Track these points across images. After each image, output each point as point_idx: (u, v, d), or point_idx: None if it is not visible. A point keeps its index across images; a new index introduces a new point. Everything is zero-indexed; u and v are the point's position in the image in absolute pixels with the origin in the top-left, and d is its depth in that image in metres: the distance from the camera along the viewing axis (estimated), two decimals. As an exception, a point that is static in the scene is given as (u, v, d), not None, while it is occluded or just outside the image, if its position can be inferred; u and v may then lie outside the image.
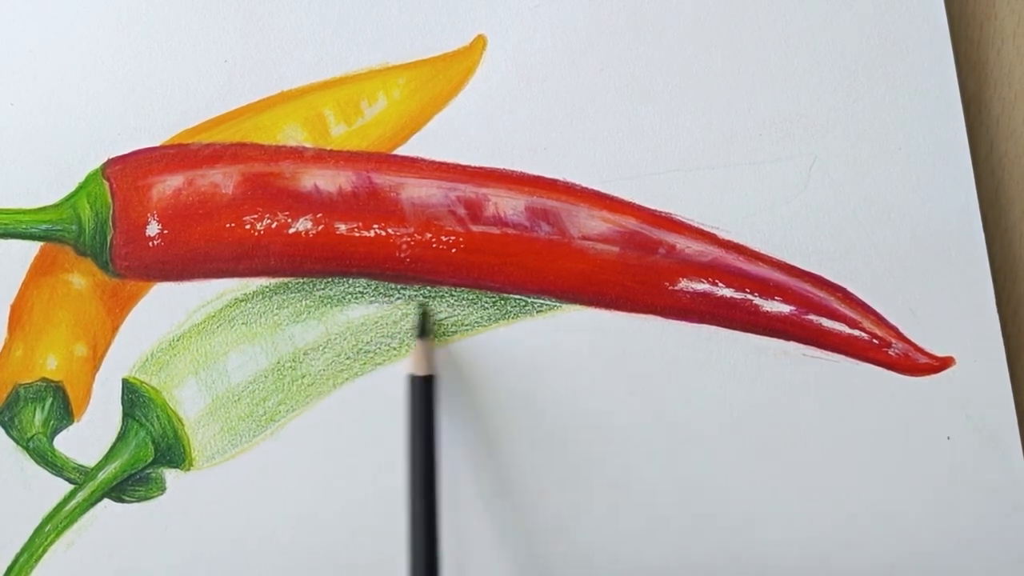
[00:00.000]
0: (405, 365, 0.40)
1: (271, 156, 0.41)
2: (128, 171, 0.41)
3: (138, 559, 0.40)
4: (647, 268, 0.41)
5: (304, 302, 0.41)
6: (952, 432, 0.41)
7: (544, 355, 0.41)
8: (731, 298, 0.41)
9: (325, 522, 0.41)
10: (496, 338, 0.41)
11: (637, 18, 0.42)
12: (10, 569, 0.40)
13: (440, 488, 0.39)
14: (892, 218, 0.42)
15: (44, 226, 0.41)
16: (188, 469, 0.41)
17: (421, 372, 0.39)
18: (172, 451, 0.41)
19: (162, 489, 0.41)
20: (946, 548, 0.41)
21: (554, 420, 0.41)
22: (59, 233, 0.41)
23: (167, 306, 0.41)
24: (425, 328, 0.40)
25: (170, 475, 0.41)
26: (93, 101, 0.41)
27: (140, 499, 0.41)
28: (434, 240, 0.41)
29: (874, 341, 0.41)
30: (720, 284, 0.41)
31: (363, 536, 0.41)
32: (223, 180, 0.41)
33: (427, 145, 0.42)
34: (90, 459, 0.41)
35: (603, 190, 0.42)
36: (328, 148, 0.42)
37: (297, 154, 0.41)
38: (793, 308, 0.41)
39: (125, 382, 0.41)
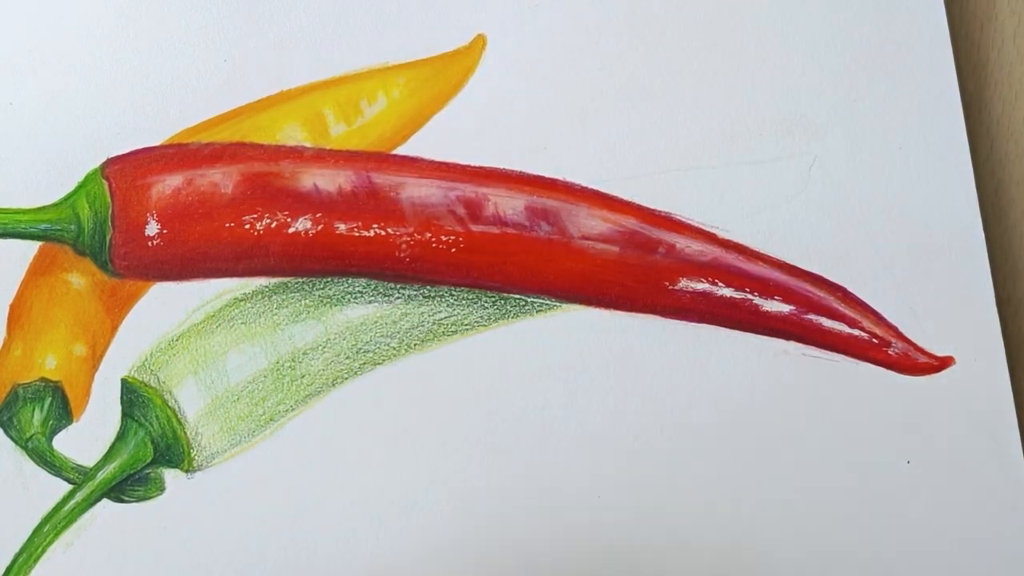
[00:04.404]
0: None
1: (270, 156, 0.41)
2: (127, 170, 0.41)
3: (137, 559, 0.40)
4: (647, 268, 0.41)
5: (303, 302, 0.41)
6: (952, 432, 0.41)
7: (544, 355, 0.41)
8: (731, 298, 0.41)
9: (324, 522, 0.41)
10: (496, 338, 0.41)
11: (637, 17, 0.42)
12: (8, 569, 0.40)
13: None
14: (892, 217, 0.42)
15: (43, 225, 0.41)
16: (187, 469, 0.41)
17: None
18: (171, 451, 0.41)
19: (161, 489, 0.41)
20: (945, 548, 0.41)
21: (553, 420, 0.41)
22: (58, 233, 0.41)
23: (166, 306, 0.41)
24: None
25: (169, 475, 0.41)
26: (92, 100, 0.41)
27: (139, 499, 0.41)
28: (434, 240, 0.41)
29: (874, 340, 0.41)
30: (720, 284, 0.41)
31: (362, 536, 0.41)
32: (222, 180, 0.41)
33: (427, 145, 0.42)
34: (89, 459, 0.41)
35: (603, 190, 0.42)
36: (328, 148, 0.42)
37: (296, 154, 0.41)
38: (793, 308, 0.41)
39: (124, 382, 0.41)
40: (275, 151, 0.41)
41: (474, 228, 0.41)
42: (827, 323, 0.41)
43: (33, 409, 0.41)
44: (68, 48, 0.41)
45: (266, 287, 0.41)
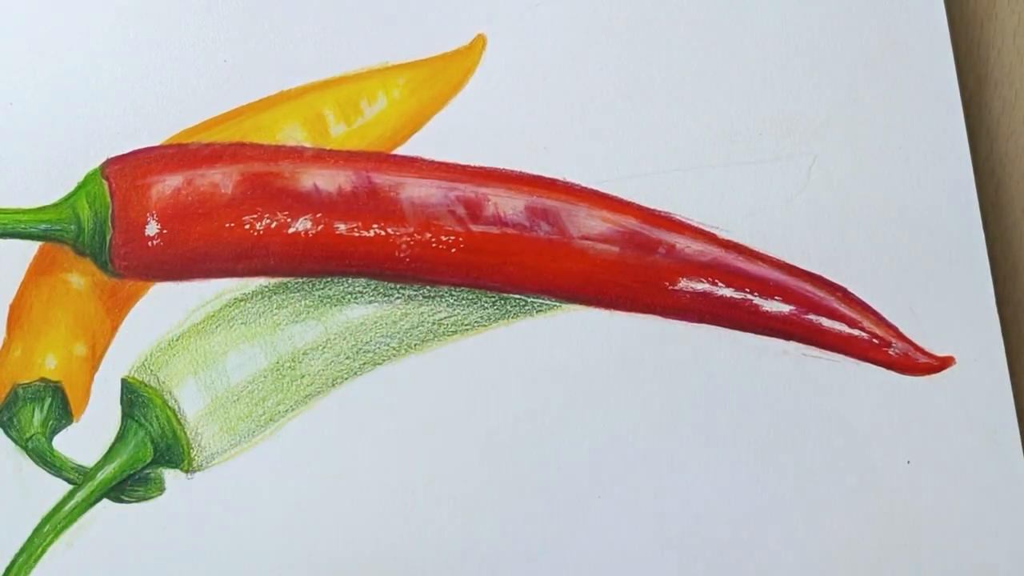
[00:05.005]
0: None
1: (270, 156, 0.41)
2: (127, 171, 0.41)
3: (137, 559, 0.40)
4: (647, 268, 0.41)
5: (303, 302, 0.41)
6: (952, 431, 0.41)
7: (544, 355, 0.41)
8: (731, 298, 0.41)
9: (324, 522, 0.41)
10: (496, 338, 0.41)
11: (637, 17, 0.42)
12: (9, 569, 0.40)
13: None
14: (892, 217, 0.42)
15: (43, 226, 0.41)
16: (187, 469, 0.41)
17: None
18: (171, 451, 0.41)
19: (161, 489, 0.41)
20: (945, 548, 0.41)
21: (553, 420, 0.41)
22: (58, 233, 0.41)
23: (166, 306, 0.41)
24: None
25: (169, 475, 0.41)
26: (92, 100, 0.41)
27: (139, 499, 0.41)
28: (434, 240, 0.41)
29: (874, 341, 0.41)
30: (720, 284, 0.41)
31: (362, 536, 0.41)
32: (222, 180, 0.41)
33: (427, 145, 0.42)
34: (89, 459, 0.41)
35: (603, 190, 0.42)
36: (327, 148, 0.42)
37: (296, 154, 0.41)
38: (793, 308, 0.41)
39: (124, 382, 0.41)
40: (275, 151, 0.41)
41: (474, 228, 0.41)
42: (827, 323, 0.41)
43: (33, 409, 0.41)
44: (68, 48, 0.41)
45: (266, 287, 0.41)
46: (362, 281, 0.41)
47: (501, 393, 0.41)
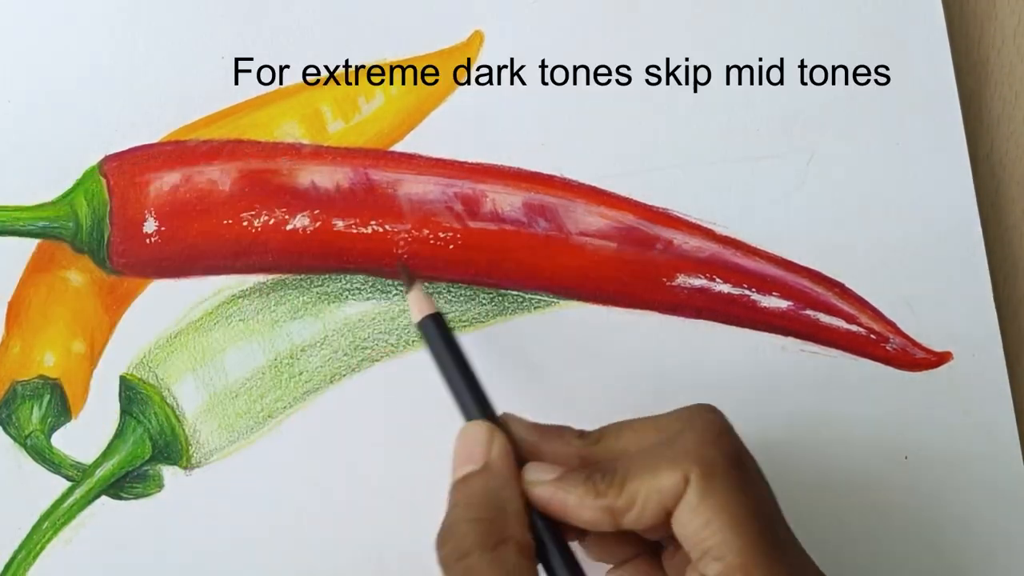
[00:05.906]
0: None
1: (268, 153, 0.41)
2: (125, 168, 0.41)
3: (136, 556, 0.40)
4: (644, 264, 0.41)
5: (301, 299, 0.41)
6: (949, 427, 0.41)
7: (541, 351, 0.41)
8: (728, 294, 0.41)
9: (323, 519, 0.41)
10: (493, 334, 0.41)
11: (634, 13, 0.42)
12: (8, 566, 0.40)
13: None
14: (890, 214, 0.42)
15: (41, 223, 0.41)
16: (186, 466, 0.41)
17: (427, 312, 0.37)
18: (170, 448, 0.41)
19: (160, 486, 0.41)
20: (942, 544, 0.41)
21: (551, 416, 0.41)
22: (56, 230, 0.41)
23: (164, 303, 0.41)
24: (411, 277, 0.39)
25: (168, 472, 0.41)
26: (90, 98, 0.41)
27: (138, 496, 0.41)
28: (431, 236, 0.41)
29: (872, 336, 0.41)
30: (718, 280, 0.41)
31: (361, 532, 0.41)
32: (220, 177, 0.41)
33: (424, 141, 0.42)
34: (88, 456, 0.41)
35: (600, 186, 0.42)
36: (325, 144, 0.42)
37: (294, 151, 0.41)
38: (791, 303, 0.41)
39: (123, 379, 0.41)
40: (273, 148, 0.41)
41: (472, 224, 0.41)
42: (825, 319, 0.41)
43: (32, 406, 0.41)
44: (66, 46, 0.42)
45: (264, 284, 0.41)
46: (360, 278, 0.41)
47: (498, 389, 0.41)
